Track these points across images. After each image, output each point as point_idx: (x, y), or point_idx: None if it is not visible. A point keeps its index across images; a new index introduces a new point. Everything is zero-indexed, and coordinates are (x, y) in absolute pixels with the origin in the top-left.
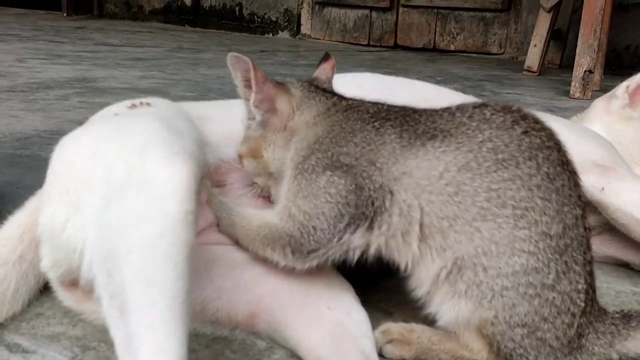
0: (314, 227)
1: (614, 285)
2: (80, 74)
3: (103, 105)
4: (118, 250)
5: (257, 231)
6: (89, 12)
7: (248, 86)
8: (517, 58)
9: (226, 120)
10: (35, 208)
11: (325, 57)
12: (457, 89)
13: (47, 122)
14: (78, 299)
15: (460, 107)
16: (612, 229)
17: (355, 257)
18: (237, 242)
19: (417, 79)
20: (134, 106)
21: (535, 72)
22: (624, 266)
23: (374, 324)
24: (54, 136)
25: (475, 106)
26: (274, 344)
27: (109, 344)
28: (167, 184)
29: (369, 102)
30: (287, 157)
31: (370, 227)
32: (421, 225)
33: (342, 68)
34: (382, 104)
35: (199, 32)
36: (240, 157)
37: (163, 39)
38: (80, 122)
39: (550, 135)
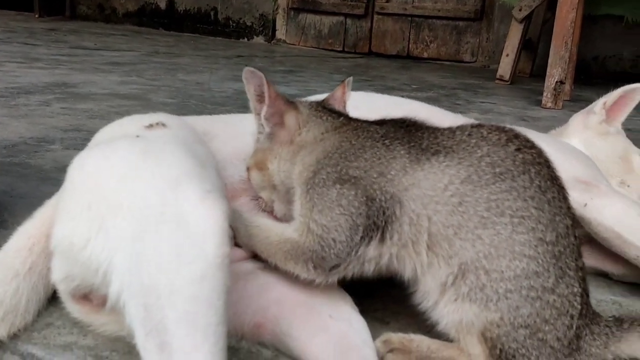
0: (333, 240)
1: (594, 295)
2: (59, 79)
3: (86, 112)
4: (158, 289)
5: (278, 246)
6: (60, 14)
7: (259, 100)
8: (488, 66)
9: (232, 137)
10: (45, 219)
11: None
12: (432, 98)
13: (32, 129)
14: (87, 312)
15: (460, 127)
16: (592, 240)
17: (371, 270)
18: (255, 253)
19: (394, 87)
20: (151, 126)
21: (507, 81)
22: (603, 276)
23: (372, 333)
24: (41, 143)
25: (473, 126)
26: (279, 352)
27: (121, 353)
28: (204, 226)
29: (376, 123)
30: (293, 170)
31: (382, 238)
32: (429, 234)
33: (319, 74)
34: (388, 126)
35: (174, 35)
36: (248, 169)
37: (138, 43)
38: (65, 129)
39: (539, 153)
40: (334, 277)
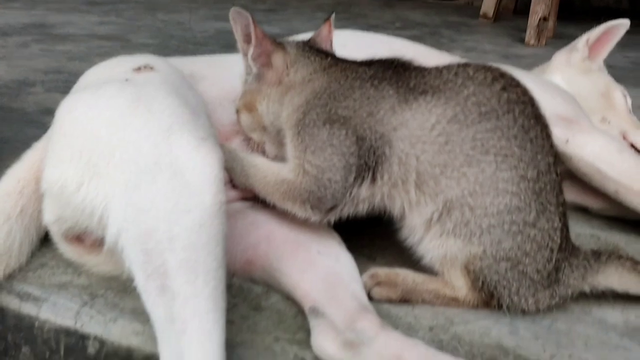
0: (329, 180)
1: (574, 228)
2: (36, 20)
3: (65, 53)
4: (157, 235)
5: (275, 187)
6: None
7: (247, 40)
8: (472, 3)
9: (219, 78)
10: (34, 162)
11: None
12: (416, 36)
13: (12, 72)
14: (80, 253)
15: (446, 66)
16: (572, 175)
17: (365, 210)
18: (250, 192)
19: (377, 25)
20: (139, 69)
21: (491, 19)
22: (582, 210)
23: (359, 269)
24: (22, 86)
25: (459, 65)
26: (269, 288)
27: (115, 291)
28: (201, 175)
29: (364, 64)
30: (282, 112)
31: (373, 179)
32: (417, 173)
33: (301, 12)
34: (377, 66)
35: None
36: (237, 111)
37: None
38: (45, 71)
39: (524, 91)
40: (331, 218)
